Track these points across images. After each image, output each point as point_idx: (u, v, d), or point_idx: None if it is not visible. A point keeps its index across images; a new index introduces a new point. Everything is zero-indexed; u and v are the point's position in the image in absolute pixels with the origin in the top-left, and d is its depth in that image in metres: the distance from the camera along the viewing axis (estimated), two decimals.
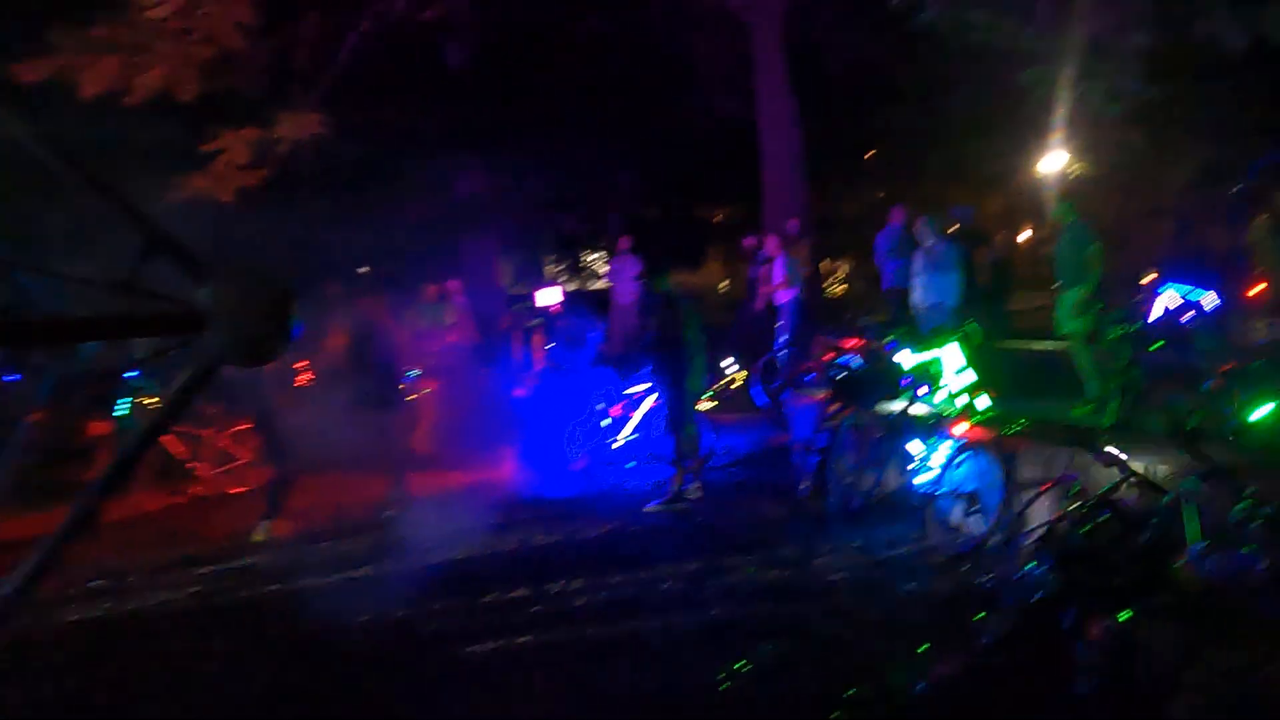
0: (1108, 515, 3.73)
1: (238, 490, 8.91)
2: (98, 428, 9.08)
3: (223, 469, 9.17)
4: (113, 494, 2.62)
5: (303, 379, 10.46)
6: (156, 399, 9.88)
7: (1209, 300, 8.73)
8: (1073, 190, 13.66)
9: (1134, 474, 3.94)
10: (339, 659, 5.01)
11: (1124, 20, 9.23)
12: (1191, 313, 8.58)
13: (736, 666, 4.40)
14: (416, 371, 12.08)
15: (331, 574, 6.38)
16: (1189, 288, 8.88)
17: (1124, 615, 3.35)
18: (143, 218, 2.99)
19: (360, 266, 15.35)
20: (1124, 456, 4.11)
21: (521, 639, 5.09)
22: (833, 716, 3.81)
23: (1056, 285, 8.31)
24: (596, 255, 30.37)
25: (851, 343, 9.08)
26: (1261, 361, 5.46)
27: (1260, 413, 5.23)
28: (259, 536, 7.23)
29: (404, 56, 13.90)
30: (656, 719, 4.21)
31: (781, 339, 11.33)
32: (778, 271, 11.54)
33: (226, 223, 10.78)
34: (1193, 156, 22.14)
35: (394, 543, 6.86)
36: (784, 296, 11.56)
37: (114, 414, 9.73)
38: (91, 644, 5.42)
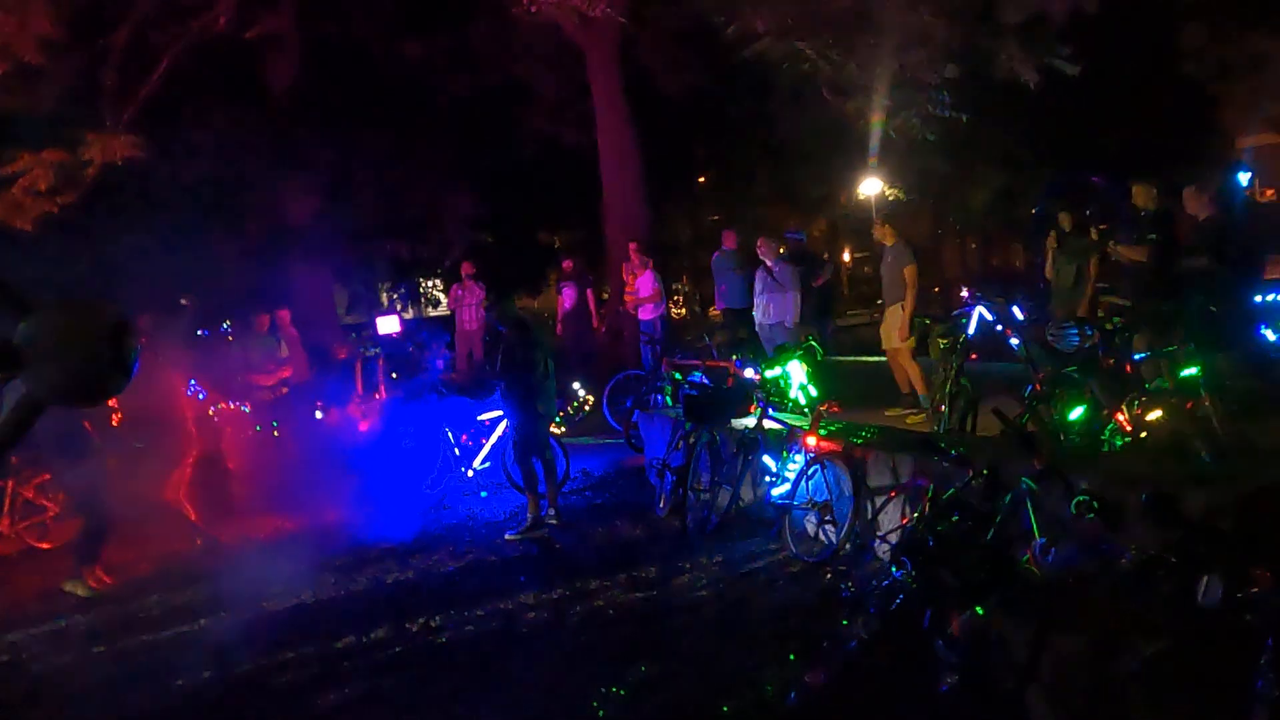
0: (957, 516, 3.94)
1: (45, 545, 8.08)
2: None
3: (26, 523, 8.30)
4: None
5: (115, 419, 9.64)
6: None
7: (1018, 313, 9.50)
8: (891, 213, 14.56)
9: (977, 475, 4.18)
10: None
11: (935, 55, 9.94)
12: (1006, 324, 9.32)
13: (610, 690, 4.36)
14: (245, 408, 11.42)
15: (161, 630, 5.89)
16: (999, 301, 9.65)
17: (979, 610, 3.54)
18: None
19: (180, 296, 14.36)
20: (966, 460, 4.36)
21: (382, 682, 4.85)
22: None
23: (880, 302, 8.80)
24: (434, 281, 29.75)
25: (699, 362, 9.31)
26: (1074, 367, 5.95)
27: (1076, 413, 5.69)
28: (77, 590, 6.59)
29: (225, 75, 13.19)
30: None
31: (647, 356, 11.43)
32: (646, 285, 11.65)
33: (25, 252, 9.86)
34: (990, 182, 24.23)
35: (231, 592, 6.39)
36: (649, 313, 11.68)
37: None
38: None
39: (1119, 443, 5.52)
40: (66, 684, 5.19)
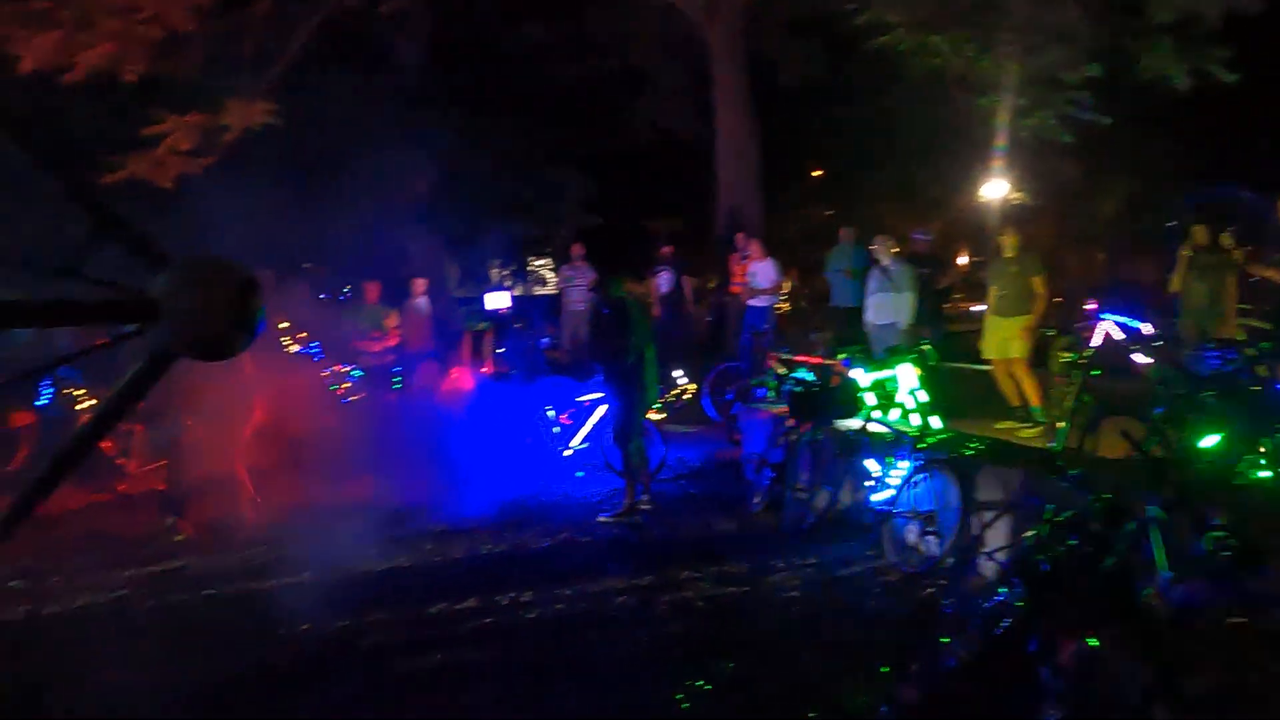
0: (1074, 540, 3.72)
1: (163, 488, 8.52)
2: (20, 418, 8.63)
3: (152, 466, 8.76)
4: (54, 487, 2.40)
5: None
6: (83, 390, 9.43)
7: (1147, 329, 8.99)
8: (1014, 218, 13.94)
9: (1099, 499, 3.94)
10: (274, 670, 4.78)
11: (1078, 53, 9.44)
12: (1133, 341, 8.84)
13: (693, 683, 4.31)
14: (358, 371, 11.81)
15: (266, 580, 6.13)
16: (1124, 317, 9.16)
17: (1092, 641, 3.34)
18: (94, 200, 2.76)
19: (303, 262, 14.96)
20: (1088, 481, 4.12)
21: (468, 654, 4.93)
22: None
23: (994, 310, 8.44)
24: (543, 261, 30.17)
25: (805, 359, 9.13)
26: (1211, 391, 5.57)
27: (1210, 441, 5.33)
28: (178, 536, 6.97)
29: (356, 50, 13.60)
30: None
31: (747, 347, 11.31)
32: (767, 274, 11.52)
33: (162, 209, 10.38)
34: (1122, 190, 23.01)
35: (332, 549, 6.60)
36: (761, 302, 11.56)
37: (37, 404, 9.28)
38: (7, 648, 5.10)
39: (1255, 476, 5.16)
40: (178, 623, 5.45)
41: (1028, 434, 7.70)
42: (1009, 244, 8.39)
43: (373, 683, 4.64)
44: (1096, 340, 8.94)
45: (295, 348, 12.28)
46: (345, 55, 13.19)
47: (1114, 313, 9.29)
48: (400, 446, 9.58)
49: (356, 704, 4.41)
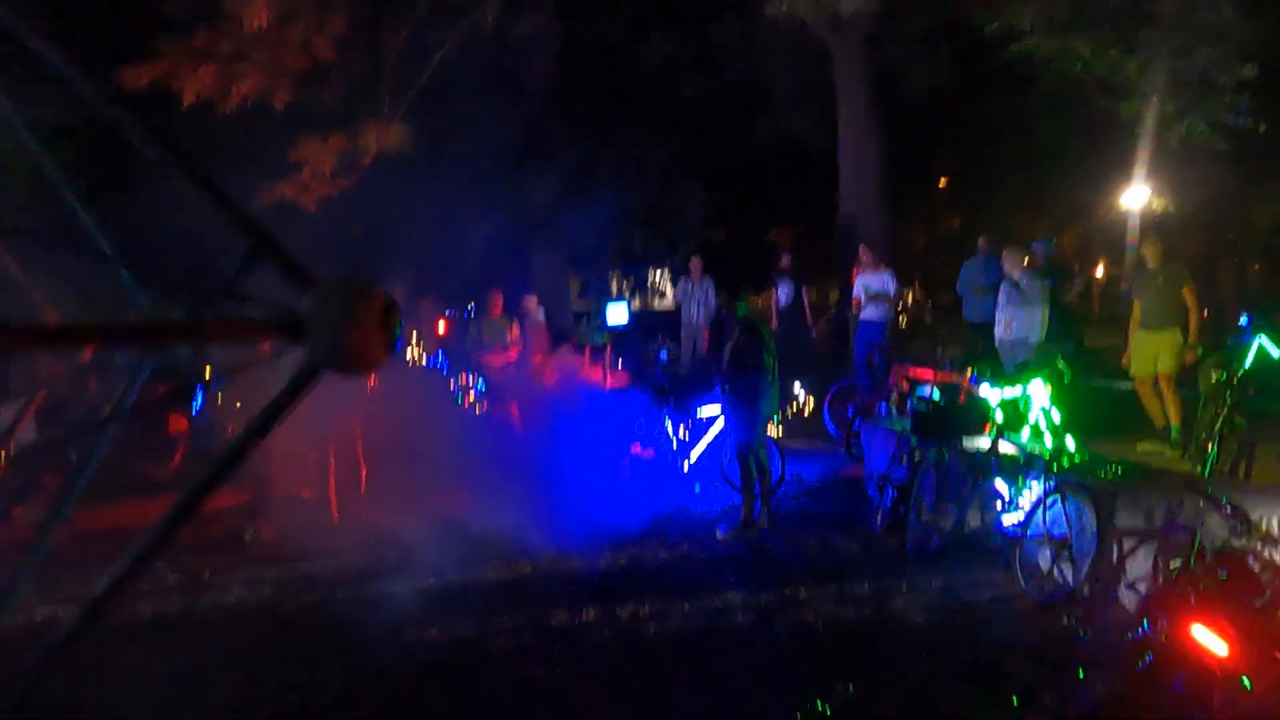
0: (1225, 574, 3.50)
1: (306, 493, 8.96)
2: (177, 425, 9.26)
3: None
4: (211, 493, 2.56)
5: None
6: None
7: None
8: (1157, 228, 13.16)
9: (1256, 529, 3.69)
10: (402, 673, 4.96)
11: (1230, 53, 8.87)
12: None
13: (813, 703, 4.25)
14: (483, 384, 12.18)
15: (390, 585, 6.31)
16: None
17: (1247, 683, 3.13)
18: (252, 223, 2.94)
19: (431, 276, 15.54)
20: (1243, 509, 3.87)
21: (588, 662, 4.99)
22: None
23: (1140, 324, 8.00)
24: (660, 272, 30.35)
25: (931, 374, 8.87)
26: None
27: None
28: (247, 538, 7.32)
29: (483, 70, 14.07)
30: None
31: (861, 360, 11.10)
32: (880, 284, 11.32)
33: (301, 229, 11.00)
34: (1278, 198, 21.36)
35: (458, 555, 6.80)
36: (879, 312, 11.34)
37: (191, 413, 9.93)
38: (169, 642, 5.47)
39: None
40: (326, 621, 5.72)
41: (1171, 456, 7.27)
42: (1152, 254, 7.97)
43: (500, 688, 4.75)
44: (1250, 359, 8.38)
45: (423, 360, 12.77)
46: (475, 76, 13.65)
47: (1270, 329, 8.68)
48: (521, 458, 9.82)
49: (484, 707, 4.53)
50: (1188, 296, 7.71)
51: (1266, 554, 3.63)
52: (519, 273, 15.47)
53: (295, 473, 7.90)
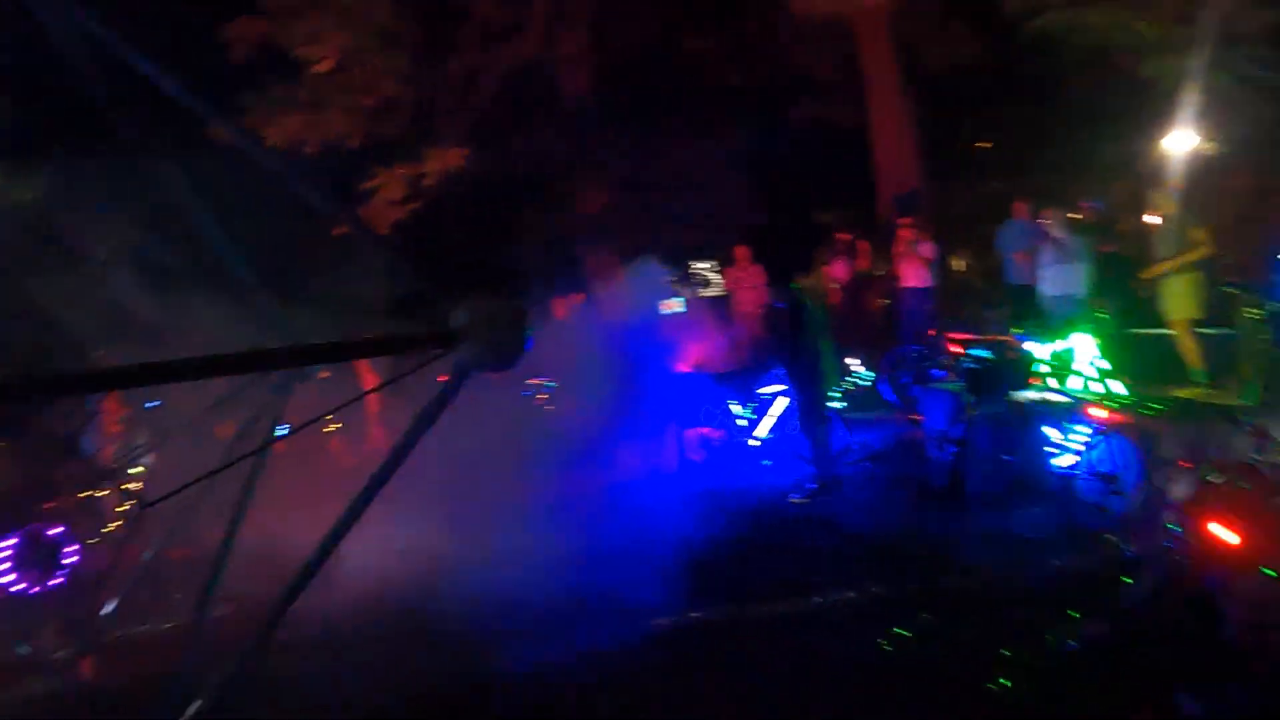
0: (1243, 482, 4.01)
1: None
2: None
3: None
4: (374, 496, 3.31)
5: None
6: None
7: None
8: (1184, 176, 13.24)
9: (1275, 442, 4.19)
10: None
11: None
12: None
13: (897, 631, 4.84)
14: (552, 384, 12.89)
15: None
16: None
17: (1269, 572, 3.65)
18: (403, 259, 3.77)
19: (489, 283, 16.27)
20: (1265, 430, 4.36)
21: (684, 620, 5.60)
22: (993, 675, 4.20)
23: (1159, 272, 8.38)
24: (705, 265, 30.85)
25: (981, 336, 9.34)
26: None
27: None
28: None
29: (529, 88, 14.78)
30: (837, 676, 4.60)
31: (912, 331, 11.56)
32: (926, 251, 11.78)
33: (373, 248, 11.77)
34: None
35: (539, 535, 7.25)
36: (923, 280, 11.79)
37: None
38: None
39: None
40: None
41: (1215, 394, 7.67)
42: (1164, 203, 8.34)
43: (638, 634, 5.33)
44: None
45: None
46: (521, 93, 14.36)
47: None
48: (597, 446, 10.46)
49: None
50: (1199, 238, 8.04)
51: None
52: (573, 276, 16.14)
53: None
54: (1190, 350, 7.98)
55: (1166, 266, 7.99)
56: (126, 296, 5.43)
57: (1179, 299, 8.03)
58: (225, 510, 4.22)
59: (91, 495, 6.73)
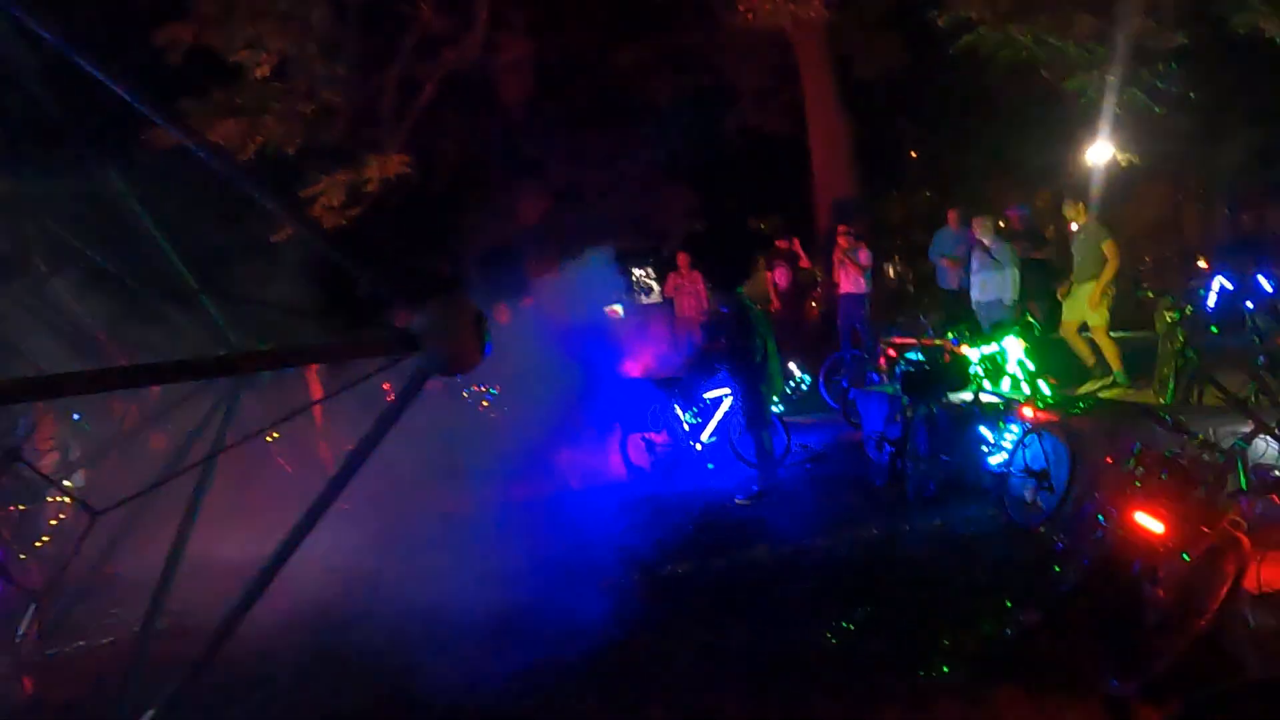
0: (1166, 475, 4.26)
1: None
2: None
3: None
4: (336, 497, 3.31)
5: None
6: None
7: (1265, 283, 9.10)
8: (1103, 186, 13.82)
9: (1192, 439, 4.45)
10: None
11: (1163, 22, 9.65)
12: (1248, 299, 8.98)
13: (840, 624, 4.99)
14: (494, 390, 12.88)
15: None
16: (1239, 275, 9.27)
17: (1185, 557, 3.89)
18: (367, 268, 3.78)
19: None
20: (1183, 425, 4.63)
21: (643, 608, 5.72)
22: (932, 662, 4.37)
23: (1067, 282, 8.81)
24: (641, 271, 31.10)
25: (915, 341, 9.64)
26: None
27: None
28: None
29: (469, 96, 14.76)
30: (778, 668, 4.73)
31: (848, 336, 11.85)
32: (863, 259, 12.09)
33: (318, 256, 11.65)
34: (1243, 140, 22.11)
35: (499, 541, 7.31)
36: (859, 287, 12.09)
37: None
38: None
39: None
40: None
41: (1112, 393, 8.06)
42: (1074, 214, 8.77)
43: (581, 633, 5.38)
44: (1213, 299, 9.11)
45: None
46: (457, 100, 14.33)
47: (1227, 270, 9.42)
48: (540, 453, 10.51)
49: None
50: (1107, 249, 8.45)
51: (1204, 457, 4.38)
52: (513, 285, 16.14)
53: None
54: (1109, 351, 8.37)
55: (1094, 289, 8.40)
56: (71, 305, 5.31)
57: (1101, 309, 8.43)
58: (162, 524, 4.16)
59: (23, 509, 6.56)
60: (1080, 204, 8.84)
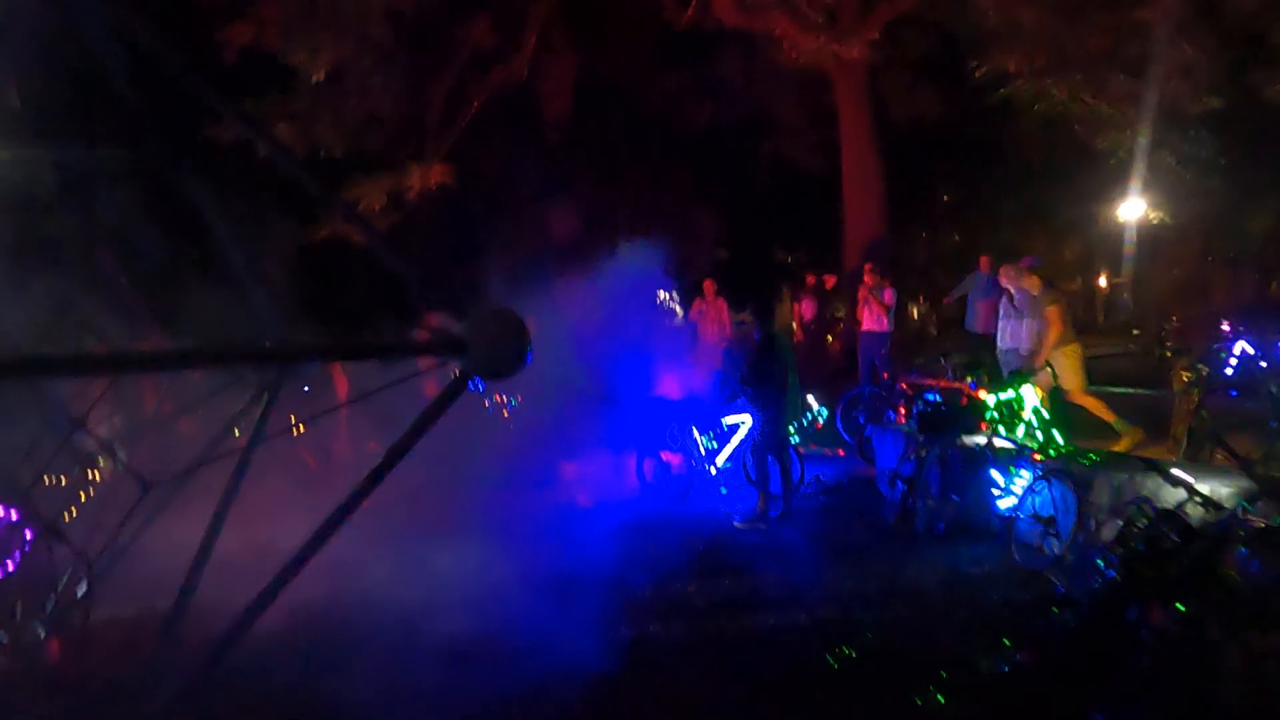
0: (1166, 526, 4.40)
1: None
2: None
3: None
4: (369, 493, 3.46)
5: None
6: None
7: None
8: (1153, 238, 13.87)
9: (1199, 494, 4.59)
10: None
11: (1196, 87, 9.83)
12: (1264, 362, 9.07)
13: (841, 651, 5.14)
14: (514, 401, 13.08)
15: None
16: (1262, 340, 9.36)
17: (1180, 606, 4.02)
18: (418, 271, 4.02)
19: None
20: (1190, 479, 4.77)
21: (648, 628, 5.85)
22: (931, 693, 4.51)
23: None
24: (668, 296, 31.36)
25: (935, 382, 9.79)
26: None
27: None
28: None
29: (510, 112, 15.12)
30: (785, 692, 4.87)
31: (868, 372, 11.99)
32: (887, 298, 12.26)
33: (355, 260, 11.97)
34: (1271, 207, 22.14)
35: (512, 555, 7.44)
36: (882, 325, 12.25)
37: None
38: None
39: None
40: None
41: (1122, 446, 8.16)
42: (1032, 285, 8.92)
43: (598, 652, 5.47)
44: (1235, 361, 9.19)
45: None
46: (501, 118, 14.69)
47: (1250, 335, 9.51)
48: (554, 467, 10.68)
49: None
50: (1049, 314, 8.56)
51: (1206, 512, 4.52)
52: (537, 293, 16.37)
53: None
54: (1098, 410, 8.47)
55: (1039, 361, 8.55)
56: (125, 286, 5.57)
57: (1066, 372, 8.54)
58: (193, 507, 4.27)
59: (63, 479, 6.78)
60: (1035, 276, 9.01)
